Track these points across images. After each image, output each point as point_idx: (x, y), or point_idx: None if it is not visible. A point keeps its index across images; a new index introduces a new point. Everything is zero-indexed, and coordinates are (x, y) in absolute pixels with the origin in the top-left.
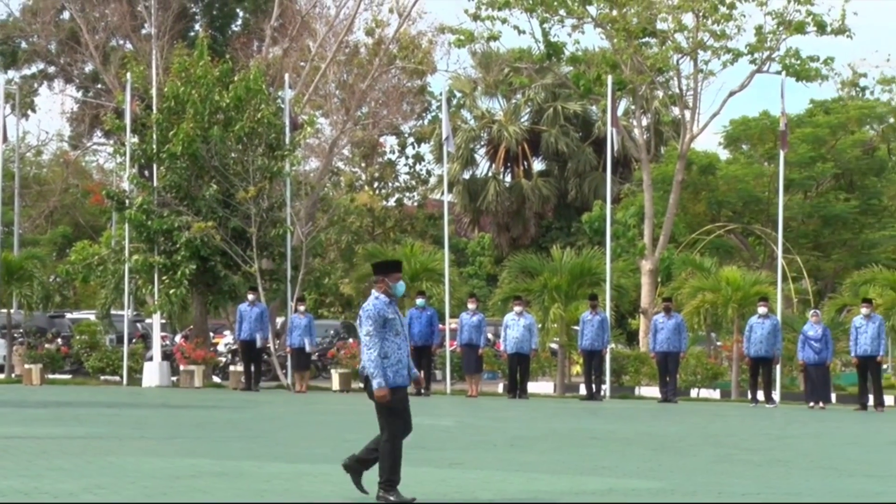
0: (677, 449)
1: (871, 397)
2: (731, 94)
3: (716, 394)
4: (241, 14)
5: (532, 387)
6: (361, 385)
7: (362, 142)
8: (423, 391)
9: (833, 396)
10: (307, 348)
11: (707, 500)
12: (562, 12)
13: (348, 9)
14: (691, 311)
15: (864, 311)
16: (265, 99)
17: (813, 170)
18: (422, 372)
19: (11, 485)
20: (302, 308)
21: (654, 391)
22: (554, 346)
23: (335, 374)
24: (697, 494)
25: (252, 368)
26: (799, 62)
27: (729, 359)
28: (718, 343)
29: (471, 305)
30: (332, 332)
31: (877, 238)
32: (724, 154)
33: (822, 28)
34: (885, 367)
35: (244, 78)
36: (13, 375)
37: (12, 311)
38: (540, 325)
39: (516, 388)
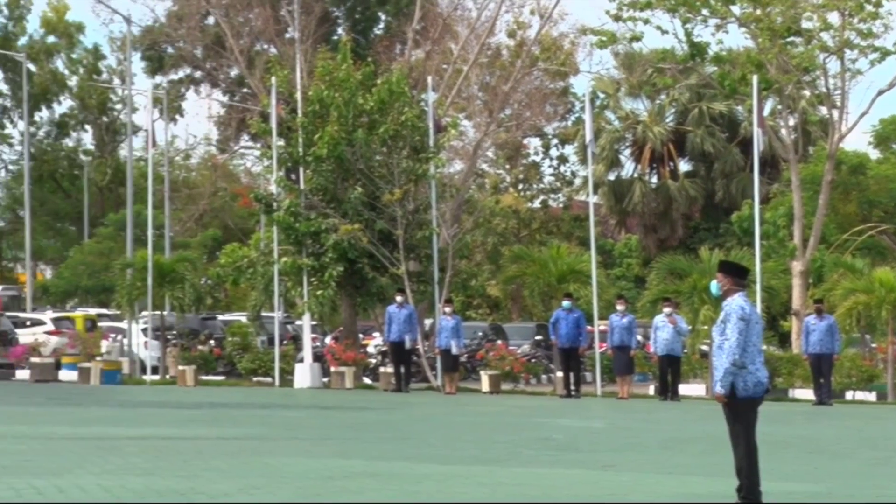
0: (833, 452)
1: None
2: (880, 92)
3: (871, 396)
4: (383, 17)
5: (683, 389)
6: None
7: (506, 144)
8: (573, 393)
9: None
10: (454, 350)
11: (865, 501)
12: (705, 12)
13: (490, 11)
14: (844, 312)
15: None
16: (408, 102)
17: None
18: (570, 374)
19: (169, 485)
20: (449, 310)
21: (807, 393)
22: (705, 347)
23: (484, 376)
24: (855, 497)
25: (402, 370)
26: None
27: (884, 361)
28: (873, 345)
29: (620, 307)
30: (479, 333)
31: None
32: (874, 153)
33: None
34: None
35: (387, 81)
36: (168, 377)
37: (165, 313)
38: (690, 328)
39: (667, 390)
